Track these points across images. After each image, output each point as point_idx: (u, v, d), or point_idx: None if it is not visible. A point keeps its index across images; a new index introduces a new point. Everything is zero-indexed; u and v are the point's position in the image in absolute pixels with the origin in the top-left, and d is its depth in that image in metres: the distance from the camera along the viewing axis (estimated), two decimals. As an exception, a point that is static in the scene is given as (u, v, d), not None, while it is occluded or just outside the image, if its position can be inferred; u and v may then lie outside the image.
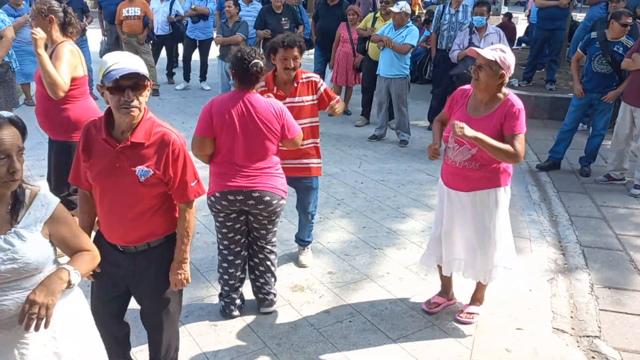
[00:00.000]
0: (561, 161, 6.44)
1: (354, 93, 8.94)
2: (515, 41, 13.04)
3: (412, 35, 6.78)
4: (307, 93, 3.77)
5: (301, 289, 3.86)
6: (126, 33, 9.00)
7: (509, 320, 3.59)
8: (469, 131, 2.91)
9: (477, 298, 3.63)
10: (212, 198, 3.26)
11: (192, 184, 2.41)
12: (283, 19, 7.81)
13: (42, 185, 2.07)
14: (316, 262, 4.22)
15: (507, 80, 3.09)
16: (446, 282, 3.68)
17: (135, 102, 2.20)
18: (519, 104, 3.11)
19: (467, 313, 3.57)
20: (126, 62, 2.19)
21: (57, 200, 1.99)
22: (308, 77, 3.78)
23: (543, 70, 9.54)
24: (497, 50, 3.04)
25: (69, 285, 1.89)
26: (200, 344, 3.26)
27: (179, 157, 2.34)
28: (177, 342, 2.79)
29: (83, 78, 3.85)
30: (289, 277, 4.00)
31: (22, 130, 1.89)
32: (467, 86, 3.30)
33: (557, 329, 3.55)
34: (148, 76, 2.24)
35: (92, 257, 2.08)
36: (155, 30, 9.53)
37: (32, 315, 1.75)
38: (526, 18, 14.54)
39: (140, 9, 9.03)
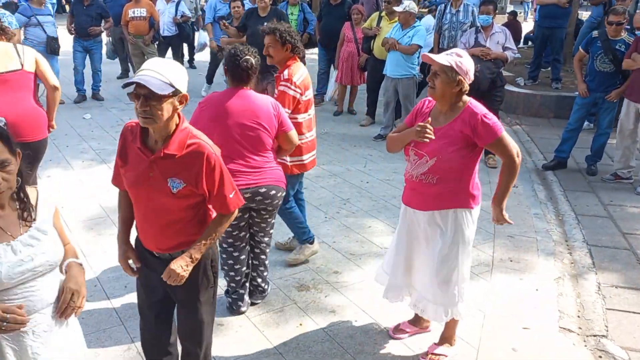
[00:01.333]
0: (567, 160, 6.41)
1: (360, 92, 8.94)
2: (521, 40, 13.00)
3: (419, 36, 6.77)
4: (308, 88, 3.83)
5: (307, 289, 3.86)
6: (132, 34, 9.03)
7: (516, 320, 3.57)
8: (499, 216, 3.04)
9: (445, 337, 3.23)
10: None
11: (231, 195, 2.37)
12: (266, 24, 6.90)
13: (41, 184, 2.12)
14: (322, 261, 4.22)
15: (466, 87, 2.81)
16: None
17: (152, 112, 2.11)
18: (480, 110, 2.84)
19: (433, 354, 3.17)
20: (153, 70, 2.12)
21: (52, 196, 2.10)
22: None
23: (549, 68, 9.52)
24: (452, 55, 2.79)
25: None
26: (206, 344, 3.26)
27: (215, 169, 2.28)
28: (209, 352, 2.73)
29: None
30: (295, 276, 4.00)
31: (6, 141, 1.86)
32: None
33: (564, 329, 3.53)
34: (169, 89, 2.11)
35: (75, 250, 2.22)
36: (161, 31, 9.57)
37: (72, 304, 2.02)
38: (532, 17, 14.48)
39: (146, 10, 9.07)
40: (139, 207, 2.38)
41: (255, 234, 3.51)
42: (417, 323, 3.40)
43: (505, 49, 6.31)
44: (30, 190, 2.04)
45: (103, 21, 8.80)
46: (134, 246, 2.53)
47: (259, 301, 3.65)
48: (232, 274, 3.46)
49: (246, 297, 3.54)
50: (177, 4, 9.87)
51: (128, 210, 2.50)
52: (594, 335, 3.50)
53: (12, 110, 3.82)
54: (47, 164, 6.06)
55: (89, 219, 4.75)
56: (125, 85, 2.12)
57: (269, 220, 3.47)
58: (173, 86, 2.13)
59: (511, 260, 4.31)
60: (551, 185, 5.97)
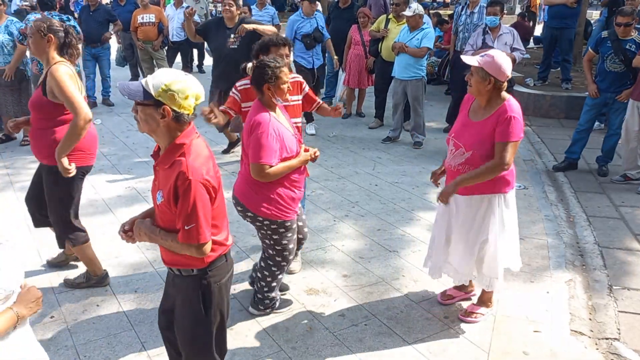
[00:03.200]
0: (578, 161, 6.37)
1: (368, 94, 8.93)
2: (531, 40, 12.94)
3: (428, 38, 6.75)
4: (294, 92, 3.72)
5: (316, 292, 3.86)
6: (141, 39, 9.10)
7: (527, 323, 3.55)
8: (449, 192, 3.21)
9: (483, 300, 3.61)
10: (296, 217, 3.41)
11: (186, 227, 2.17)
12: (232, 36, 5.82)
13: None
14: (331, 265, 4.22)
15: (502, 85, 3.10)
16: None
17: (137, 117, 2.19)
18: (514, 110, 3.10)
19: (471, 312, 3.57)
20: (149, 78, 2.16)
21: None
22: (293, 77, 3.73)
23: (559, 69, 9.46)
24: (484, 56, 3.08)
25: None
26: (216, 348, 3.27)
27: (184, 192, 2.14)
28: None
29: None
30: (304, 280, 4.00)
31: None
32: None
33: (576, 331, 3.50)
34: (142, 97, 2.12)
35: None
36: (170, 37, 9.63)
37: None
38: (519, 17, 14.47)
39: (155, 16, 9.14)
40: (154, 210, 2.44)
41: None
42: (462, 288, 3.70)
43: (513, 49, 6.29)
44: None
45: (111, 25, 8.86)
46: None
47: (251, 310, 3.60)
48: (281, 276, 3.54)
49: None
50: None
51: None
52: (606, 339, 3.46)
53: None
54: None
55: (101, 224, 4.79)
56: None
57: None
58: (151, 96, 2.11)
59: (522, 263, 4.27)
60: (562, 186, 5.93)
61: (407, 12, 6.77)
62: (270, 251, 3.42)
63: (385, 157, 6.74)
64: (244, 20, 5.84)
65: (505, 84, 3.13)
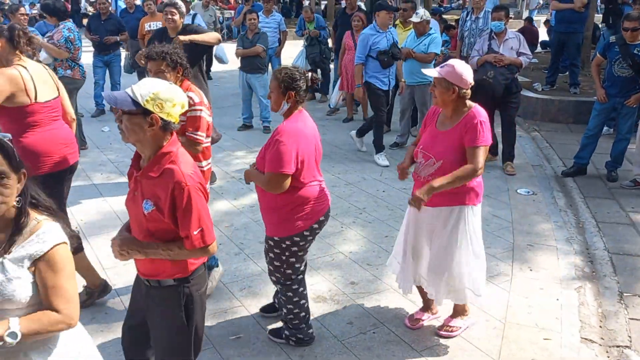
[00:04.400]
0: (587, 166, 6.32)
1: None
2: (538, 45, 12.90)
3: (435, 43, 6.75)
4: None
5: (324, 300, 3.85)
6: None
7: (536, 330, 3.52)
8: (425, 194, 2.99)
9: (458, 311, 3.51)
10: (316, 225, 3.15)
11: (194, 232, 2.21)
12: (176, 46, 5.62)
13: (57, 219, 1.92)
14: (338, 272, 4.21)
15: (466, 93, 3.12)
16: (426, 298, 3.57)
17: (122, 126, 2.18)
18: (481, 116, 3.12)
19: (448, 326, 3.47)
20: (135, 86, 2.17)
21: (57, 240, 1.84)
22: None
23: (567, 73, 9.43)
24: (444, 67, 3.10)
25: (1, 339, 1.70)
26: (223, 356, 3.27)
27: (183, 199, 2.17)
28: None
29: (34, 105, 3.43)
30: (311, 287, 3.99)
31: (7, 154, 1.77)
32: None
33: (586, 339, 3.47)
34: (131, 106, 2.12)
35: (50, 321, 1.81)
36: None
37: None
38: (544, 24, 14.39)
39: (162, 23, 9.17)
40: (131, 224, 2.40)
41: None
42: (428, 309, 3.62)
43: (519, 54, 6.25)
44: (37, 222, 1.84)
45: (120, 34, 8.93)
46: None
47: (271, 336, 3.45)
48: (303, 302, 3.30)
49: (311, 330, 3.37)
50: (194, 17, 9.98)
51: None
52: (617, 346, 3.43)
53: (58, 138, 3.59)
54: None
55: (108, 231, 4.80)
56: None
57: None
58: (138, 105, 2.12)
59: (531, 270, 4.25)
60: (571, 192, 5.89)
61: (414, 18, 6.76)
62: None
63: (394, 163, 6.72)
64: (186, 29, 5.39)
65: (469, 91, 3.13)
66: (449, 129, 3.18)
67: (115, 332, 3.46)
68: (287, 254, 3.16)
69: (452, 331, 3.45)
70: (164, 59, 3.35)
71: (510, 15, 7.13)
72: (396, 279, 3.62)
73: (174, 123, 2.22)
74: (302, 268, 3.29)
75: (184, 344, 2.42)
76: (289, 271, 3.22)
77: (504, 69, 6.10)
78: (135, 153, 2.36)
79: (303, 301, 3.30)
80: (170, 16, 5.28)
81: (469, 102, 3.18)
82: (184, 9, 5.38)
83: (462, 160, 3.09)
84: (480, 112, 3.15)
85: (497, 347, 3.36)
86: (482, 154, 3.07)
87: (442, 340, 3.42)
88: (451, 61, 3.17)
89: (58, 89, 3.65)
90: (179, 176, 2.17)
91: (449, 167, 3.09)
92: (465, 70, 3.10)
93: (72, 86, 6.63)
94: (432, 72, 3.15)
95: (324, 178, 3.26)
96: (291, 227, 3.09)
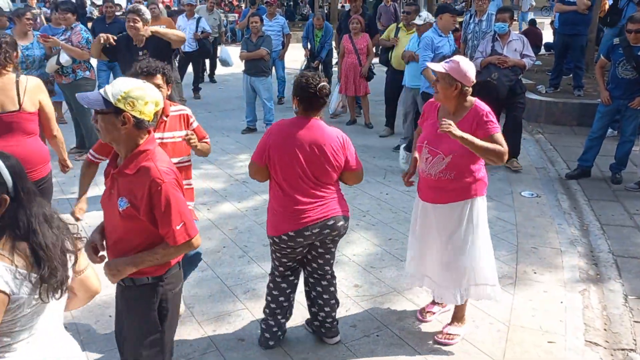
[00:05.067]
0: (591, 169, 6.31)
1: (377, 104, 8.94)
2: (542, 47, 12.88)
3: None
4: (179, 128, 3.39)
5: (327, 303, 3.85)
6: (153, 50, 9.19)
7: (540, 333, 3.51)
8: (456, 130, 2.97)
9: (456, 318, 3.50)
10: (284, 237, 3.07)
11: (177, 227, 2.23)
12: (141, 53, 5.14)
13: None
14: (342, 275, 4.20)
15: (467, 90, 3.17)
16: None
17: (98, 125, 2.23)
18: (485, 109, 3.21)
19: (447, 334, 3.44)
20: (107, 87, 2.21)
21: None
22: (178, 110, 3.43)
23: (570, 76, 9.41)
24: (449, 63, 3.16)
25: None
26: (227, 359, 3.27)
27: (160, 195, 2.19)
28: None
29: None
30: (315, 290, 3.99)
31: None
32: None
33: (590, 342, 3.46)
34: (102, 106, 2.17)
35: None
36: (182, 47, 9.72)
37: None
38: (550, 25, 14.34)
39: (166, 27, 9.20)
40: (105, 223, 2.43)
41: (318, 269, 3.29)
42: (438, 303, 3.65)
43: (523, 56, 6.25)
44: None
45: None
46: None
47: (337, 339, 3.39)
48: (272, 305, 3.31)
49: (276, 330, 3.33)
50: (198, 21, 10.04)
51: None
52: (622, 349, 3.42)
53: None
54: (72, 180, 6.16)
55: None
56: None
57: (332, 250, 3.27)
58: (110, 104, 2.16)
59: (535, 272, 4.24)
60: (575, 194, 5.88)
61: (418, 21, 6.77)
62: (333, 260, 3.37)
63: (396, 166, 6.72)
64: (154, 37, 5.19)
65: (470, 89, 3.19)
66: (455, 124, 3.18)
67: (120, 334, 3.47)
68: (270, 248, 3.28)
69: (451, 339, 3.42)
70: (164, 74, 3.29)
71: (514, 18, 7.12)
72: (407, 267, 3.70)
73: (148, 121, 2.24)
74: (280, 268, 3.28)
75: (156, 345, 2.41)
76: (272, 264, 3.34)
77: (507, 70, 6.10)
78: (112, 152, 2.39)
79: (273, 305, 3.31)
80: (132, 24, 5.09)
81: (469, 98, 3.24)
82: (148, 16, 5.21)
83: (472, 154, 3.14)
84: (483, 106, 3.23)
85: (501, 350, 3.36)
86: (501, 138, 3.16)
87: (446, 343, 3.41)
88: (456, 57, 3.22)
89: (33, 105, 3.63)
90: (155, 173, 2.21)
91: (458, 161, 3.16)
92: (469, 68, 3.15)
93: (91, 87, 6.75)
94: (437, 67, 3.19)
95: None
96: (268, 226, 3.19)
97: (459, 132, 2.98)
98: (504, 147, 3.13)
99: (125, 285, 2.39)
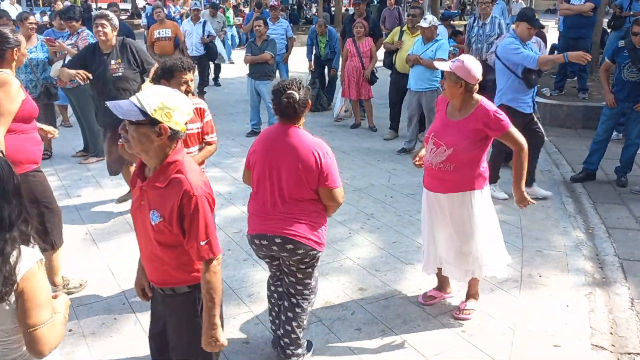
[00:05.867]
0: (596, 172, 6.29)
1: (381, 107, 8.95)
2: (548, 49, 12.84)
3: (442, 50, 6.75)
4: (195, 120, 3.59)
5: (332, 306, 3.84)
6: (158, 54, 9.21)
7: (546, 337, 3.50)
8: (521, 199, 3.47)
9: (471, 294, 3.76)
10: (248, 237, 3.13)
11: (202, 243, 2.17)
12: (113, 62, 4.90)
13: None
14: (347, 278, 4.20)
15: (474, 87, 3.31)
16: (442, 279, 3.85)
17: (127, 136, 2.16)
18: (491, 107, 3.34)
19: (464, 310, 3.69)
20: (140, 95, 2.13)
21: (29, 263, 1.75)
22: (196, 104, 3.58)
23: (575, 78, 9.39)
24: (454, 62, 3.29)
25: None
26: (232, 362, 3.27)
27: (191, 209, 2.14)
28: None
29: None
30: (320, 293, 3.97)
31: None
32: None
33: (596, 346, 3.44)
34: (139, 117, 2.08)
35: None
36: (189, 52, 9.74)
37: None
38: (556, 27, 14.34)
39: (171, 30, 9.26)
40: (137, 234, 2.39)
41: (287, 285, 3.16)
42: (442, 289, 3.87)
43: None
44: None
45: None
46: None
47: None
48: (269, 306, 3.37)
49: (270, 335, 3.41)
50: (204, 25, 10.05)
51: None
52: (629, 353, 3.40)
53: None
54: (77, 184, 6.20)
55: (118, 236, 4.83)
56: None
57: (297, 275, 3.08)
58: (147, 114, 2.08)
59: (540, 276, 4.23)
60: (580, 197, 5.86)
61: (423, 24, 6.77)
62: (304, 289, 3.14)
63: (401, 169, 6.72)
64: (124, 44, 4.97)
65: (477, 86, 3.32)
66: (459, 120, 3.38)
67: (124, 337, 3.47)
68: None
69: (469, 314, 3.68)
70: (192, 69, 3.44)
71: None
72: (422, 267, 3.85)
73: (180, 132, 2.19)
74: (270, 274, 3.30)
75: (204, 352, 2.40)
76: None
77: None
78: (138, 162, 2.33)
79: (269, 306, 3.36)
80: (100, 29, 4.79)
81: (476, 96, 3.37)
82: (116, 21, 4.96)
83: (472, 149, 3.31)
84: (489, 104, 3.37)
85: (506, 353, 3.34)
86: (515, 133, 3.34)
87: (450, 347, 3.40)
88: (462, 56, 3.34)
89: None
90: (187, 185, 2.15)
91: (459, 154, 3.31)
92: (474, 66, 3.27)
93: None
94: (443, 66, 3.35)
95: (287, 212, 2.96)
96: None
97: (523, 194, 3.46)
98: (522, 142, 3.35)
99: (166, 294, 2.38)
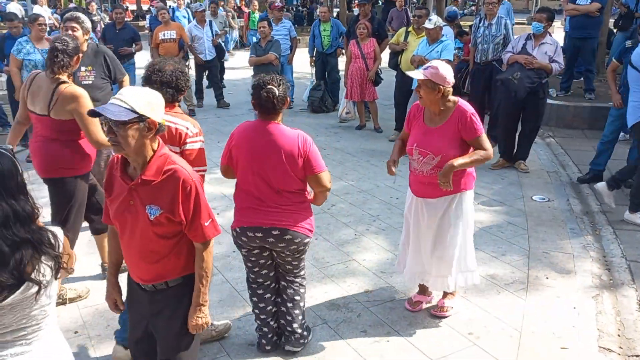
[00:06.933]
0: (603, 173, 6.25)
1: (386, 108, 8.93)
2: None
3: (448, 50, 6.72)
4: (172, 142, 3.16)
5: (337, 308, 3.83)
6: (162, 56, 9.21)
7: (553, 339, 3.47)
8: (448, 172, 3.23)
9: (448, 292, 3.77)
10: (234, 232, 3.16)
11: (206, 224, 2.30)
12: (83, 69, 4.57)
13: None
14: (352, 279, 4.19)
15: (448, 91, 3.32)
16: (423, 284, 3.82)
17: (117, 138, 2.14)
18: (469, 109, 3.37)
19: (441, 307, 3.73)
20: (119, 98, 2.14)
21: None
22: (176, 123, 2.99)
23: (582, 79, 9.35)
24: (428, 69, 3.29)
25: None
26: (237, 364, 3.27)
27: (190, 195, 2.25)
28: None
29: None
30: (325, 295, 3.98)
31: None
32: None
33: (604, 348, 3.42)
34: (130, 115, 2.11)
35: None
36: (204, 57, 9.62)
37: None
38: (562, 27, 14.28)
39: (176, 32, 9.26)
40: (123, 237, 2.37)
41: (284, 275, 3.28)
42: (425, 292, 3.85)
43: (552, 61, 6.17)
44: None
45: (134, 44, 9.00)
46: (127, 277, 2.52)
47: (298, 349, 3.32)
48: (257, 311, 3.31)
49: (271, 336, 3.32)
50: (211, 26, 9.95)
51: (117, 251, 2.51)
52: (636, 356, 3.37)
53: None
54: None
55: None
56: (91, 113, 2.17)
57: (293, 263, 3.22)
58: (135, 112, 2.12)
59: (547, 278, 4.20)
60: (587, 199, 5.82)
61: (428, 25, 6.75)
62: (300, 272, 3.31)
63: (406, 170, 6.66)
64: (98, 49, 4.72)
65: (451, 89, 3.34)
66: (441, 125, 3.39)
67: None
68: None
69: (447, 311, 3.72)
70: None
71: (523, 21, 7.06)
72: (404, 276, 3.82)
73: (163, 125, 2.25)
74: (252, 275, 3.27)
75: (194, 343, 2.47)
76: (245, 268, 3.34)
77: (532, 72, 6.04)
78: (119, 164, 2.31)
79: (256, 310, 3.31)
80: (71, 32, 4.37)
81: (452, 98, 3.39)
82: (88, 24, 4.59)
83: (460, 152, 3.34)
84: (467, 106, 3.39)
85: (513, 356, 3.32)
86: (486, 140, 3.38)
87: (456, 349, 3.38)
88: (434, 62, 3.37)
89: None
90: (183, 174, 2.24)
91: (448, 159, 3.30)
92: (448, 71, 3.30)
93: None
94: (417, 75, 3.34)
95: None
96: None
97: (453, 169, 3.24)
98: (489, 150, 3.37)
99: (156, 290, 2.39)
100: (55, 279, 1.84)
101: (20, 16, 11.04)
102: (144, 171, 2.23)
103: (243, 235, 3.11)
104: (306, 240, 3.14)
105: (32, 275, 1.75)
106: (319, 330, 3.58)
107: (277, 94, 2.97)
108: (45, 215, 3.11)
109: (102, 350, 3.37)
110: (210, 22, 10.11)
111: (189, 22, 12.63)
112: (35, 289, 1.76)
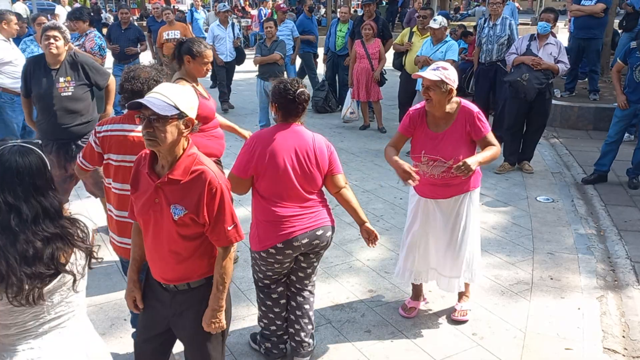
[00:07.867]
0: (608, 173, 6.24)
1: (391, 108, 8.93)
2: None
3: (452, 51, 6.72)
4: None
5: (341, 308, 3.83)
6: (167, 56, 9.23)
7: (558, 340, 3.47)
8: (472, 166, 3.11)
9: (464, 294, 3.76)
10: (272, 250, 2.97)
11: (229, 228, 2.27)
12: (62, 79, 4.35)
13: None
14: (356, 279, 4.19)
15: (455, 92, 3.29)
16: (417, 288, 3.80)
17: (156, 133, 2.12)
18: (474, 109, 3.36)
19: (461, 311, 3.69)
20: (160, 92, 2.16)
21: None
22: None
23: (586, 80, 9.33)
24: (439, 70, 3.23)
25: None
26: (242, 364, 3.27)
27: (216, 198, 2.22)
28: None
29: None
30: (329, 295, 3.98)
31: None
32: (417, 105, 3.49)
33: (609, 349, 3.41)
34: (173, 111, 2.13)
35: None
36: (224, 58, 9.42)
37: None
38: (566, 28, 14.26)
39: (180, 32, 9.27)
40: (147, 235, 2.36)
41: (296, 281, 3.20)
42: (418, 297, 3.82)
43: (557, 61, 6.16)
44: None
45: (139, 44, 9.03)
46: (146, 275, 2.51)
47: (306, 358, 3.26)
48: (271, 316, 3.20)
49: (282, 346, 3.28)
50: (233, 27, 9.79)
51: (139, 248, 2.48)
52: (641, 357, 3.37)
53: None
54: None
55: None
56: (131, 106, 2.16)
57: (315, 264, 3.20)
58: (177, 108, 2.14)
59: (552, 279, 4.19)
60: (591, 199, 5.81)
61: (434, 25, 6.75)
62: (314, 277, 3.31)
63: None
64: (76, 58, 4.46)
65: (455, 91, 3.33)
66: (447, 129, 3.34)
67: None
68: (252, 261, 3.21)
69: (466, 314, 3.68)
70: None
71: (528, 22, 7.05)
72: (397, 274, 3.78)
73: (196, 124, 2.27)
74: (266, 281, 3.16)
75: (222, 342, 2.48)
76: (255, 276, 3.23)
77: (540, 73, 6.04)
78: (147, 160, 2.31)
79: (271, 315, 3.20)
80: (53, 41, 4.22)
81: (455, 98, 3.35)
82: (68, 35, 4.47)
83: (470, 152, 3.33)
84: (471, 106, 3.37)
85: (517, 357, 3.32)
86: (492, 136, 3.36)
87: (461, 350, 3.38)
88: (440, 63, 3.33)
89: None
90: (210, 176, 2.22)
91: (459, 161, 3.26)
92: (455, 72, 3.28)
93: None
94: (430, 75, 3.19)
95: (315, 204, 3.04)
96: (252, 241, 3.07)
97: (475, 166, 3.14)
98: (497, 144, 3.37)
99: (178, 291, 2.38)
100: (90, 268, 1.92)
101: (25, 16, 11.08)
102: (171, 170, 2.22)
103: (287, 248, 2.97)
104: (334, 232, 3.19)
105: (67, 267, 1.83)
106: (323, 330, 3.58)
107: (309, 95, 3.04)
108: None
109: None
110: (233, 23, 9.94)
111: (204, 22, 12.57)
112: (69, 278, 1.85)
